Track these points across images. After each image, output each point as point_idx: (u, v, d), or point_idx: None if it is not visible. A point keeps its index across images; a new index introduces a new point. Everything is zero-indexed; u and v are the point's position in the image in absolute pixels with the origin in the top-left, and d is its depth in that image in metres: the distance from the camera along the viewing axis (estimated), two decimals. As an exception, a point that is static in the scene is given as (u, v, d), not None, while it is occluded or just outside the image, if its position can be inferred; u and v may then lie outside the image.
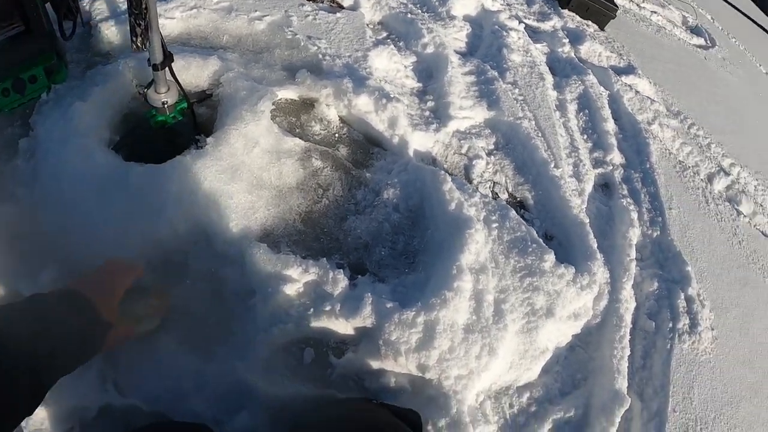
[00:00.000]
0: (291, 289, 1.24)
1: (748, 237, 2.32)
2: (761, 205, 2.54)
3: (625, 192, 2.08)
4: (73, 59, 1.72)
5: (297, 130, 1.71)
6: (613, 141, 2.23)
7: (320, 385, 1.21)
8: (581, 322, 1.58)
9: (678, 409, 1.64)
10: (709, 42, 3.94)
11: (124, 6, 1.87)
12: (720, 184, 2.49)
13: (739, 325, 1.97)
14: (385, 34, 2.25)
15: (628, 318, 1.68)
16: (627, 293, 1.73)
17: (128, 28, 1.52)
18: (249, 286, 1.24)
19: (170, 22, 1.82)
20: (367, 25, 2.21)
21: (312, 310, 1.22)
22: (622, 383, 1.54)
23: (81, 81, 1.57)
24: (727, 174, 2.55)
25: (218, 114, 1.54)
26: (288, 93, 1.77)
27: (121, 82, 1.56)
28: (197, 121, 1.55)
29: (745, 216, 2.42)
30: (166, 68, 1.30)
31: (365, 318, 1.22)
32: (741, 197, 2.47)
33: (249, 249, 1.24)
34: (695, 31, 3.98)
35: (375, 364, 1.23)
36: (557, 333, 1.53)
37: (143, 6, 1.22)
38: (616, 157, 2.19)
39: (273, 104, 1.61)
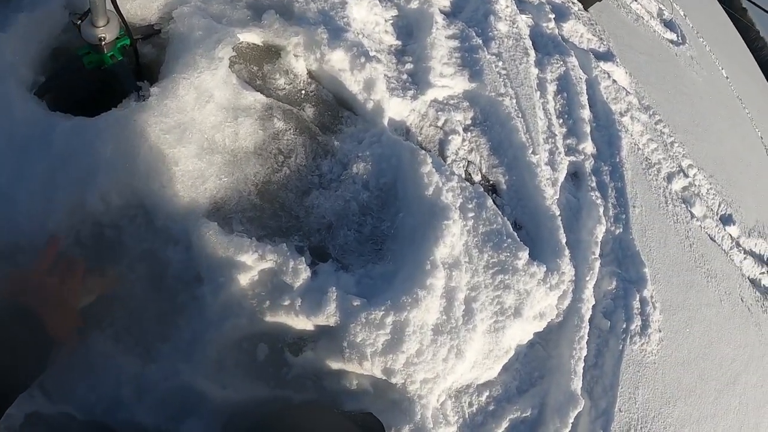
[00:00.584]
0: (245, 278, 1.06)
1: (697, 240, 2.36)
2: (711, 209, 2.60)
3: (594, 185, 2.02)
4: None
5: (258, 83, 1.47)
6: (587, 129, 2.15)
7: (275, 386, 1.07)
8: (545, 321, 1.53)
9: (623, 408, 1.66)
10: (680, 38, 3.95)
11: None
12: (677, 185, 2.50)
13: (682, 328, 2.01)
14: None
15: (587, 317, 1.65)
16: (589, 292, 1.70)
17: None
18: (196, 271, 1.04)
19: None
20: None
21: (268, 303, 1.05)
22: (578, 384, 1.53)
23: (3, 6, 1.25)
24: (686, 175, 2.57)
25: (166, 57, 1.27)
26: (251, 37, 1.50)
27: (52, 9, 1.24)
28: (140, 64, 1.27)
29: (696, 219, 2.46)
30: (107, -6, 1.02)
31: (329, 316, 1.07)
32: (695, 200, 2.51)
33: (196, 227, 1.03)
34: (668, 25, 3.97)
35: (335, 365, 1.10)
36: (522, 333, 1.47)
37: None
38: (588, 146, 2.12)
39: (233, 50, 1.36)
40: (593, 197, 1.95)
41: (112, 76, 1.16)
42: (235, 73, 1.40)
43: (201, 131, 1.17)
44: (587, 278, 1.72)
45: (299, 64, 1.56)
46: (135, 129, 1.03)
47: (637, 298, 1.85)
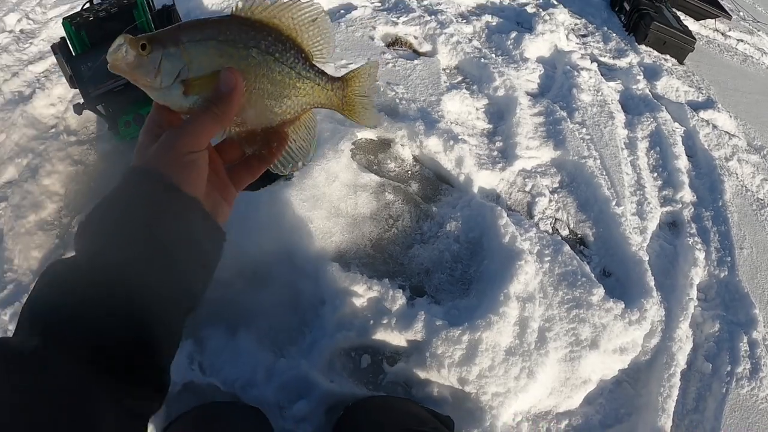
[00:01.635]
0: (356, 303, 1.49)
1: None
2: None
3: (694, 231, 2.10)
4: None
5: (374, 167, 1.98)
6: (685, 179, 2.25)
7: (372, 387, 1.44)
8: (628, 357, 1.65)
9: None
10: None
11: None
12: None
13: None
14: (459, 78, 2.47)
15: (680, 357, 1.72)
16: (682, 332, 1.77)
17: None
18: (321, 297, 1.51)
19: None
20: (443, 70, 2.44)
21: (372, 321, 1.46)
22: (666, 422, 1.58)
23: None
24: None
25: None
26: (367, 134, 2.05)
27: None
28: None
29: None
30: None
31: (416, 332, 1.44)
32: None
33: (323, 266, 1.52)
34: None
35: (422, 375, 1.44)
36: (602, 366, 1.62)
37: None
38: (686, 195, 2.21)
39: (353, 144, 1.91)
40: (691, 242, 2.03)
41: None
42: (356, 160, 1.92)
43: (329, 201, 1.69)
44: (680, 318, 1.80)
45: (405, 151, 2.04)
46: (283, 198, 1.59)
47: (745, 341, 1.84)
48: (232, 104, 0.51)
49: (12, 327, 1.57)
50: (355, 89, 0.61)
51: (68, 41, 1.96)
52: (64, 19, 1.96)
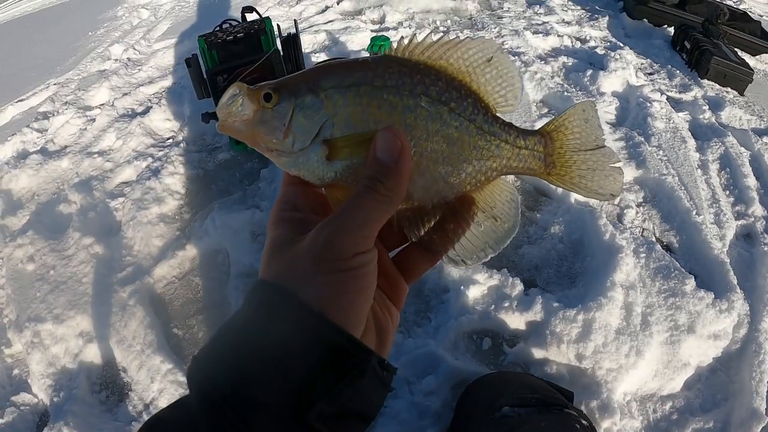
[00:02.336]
0: (478, 290, 1.79)
1: None
2: None
3: (767, 240, 2.32)
4: None
5: (481, 182, 2.32)
6: (755, 195, 2.48)
7: (493, 366, 1.69)
8: (721, 344, 1.86)
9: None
10: None
11: None
12: None
13: None
14: (546, 110, 2.83)
15: (767, 345, 1.93)
16: (767, 324, 1.98)
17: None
18: (444, 285, 1.81)
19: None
20: (532, 102, 2.80)
21: (493, 306, 1.75)
22: (761, 403, 1.73)
23: None
24: None
25: None
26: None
27: None
28: None
29: None
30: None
31: (536, 313, 1.72)
32: None
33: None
34: None
35: (540, 354, 1.69)
36: (698, 351, 1.81)
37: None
38: (758, 210, 2.44)
39: None
40: (767, 250, 2.26)
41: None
42: None
43: None
44: (763, 313, 2.00)
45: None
46: None
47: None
48: (402, 177, 0.38)
49: (131, 302, 1.92)
50: (567, 144, 0.46)
51: (200, 56, 2.31)
52: (199, 36, 2.35)
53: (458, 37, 0.42)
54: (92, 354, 1.86)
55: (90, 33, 4.56)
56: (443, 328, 1.75)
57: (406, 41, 0.42)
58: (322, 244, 0.35)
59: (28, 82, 3.73)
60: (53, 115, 3.15)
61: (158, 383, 1.74)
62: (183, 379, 1.70)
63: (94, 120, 3.07)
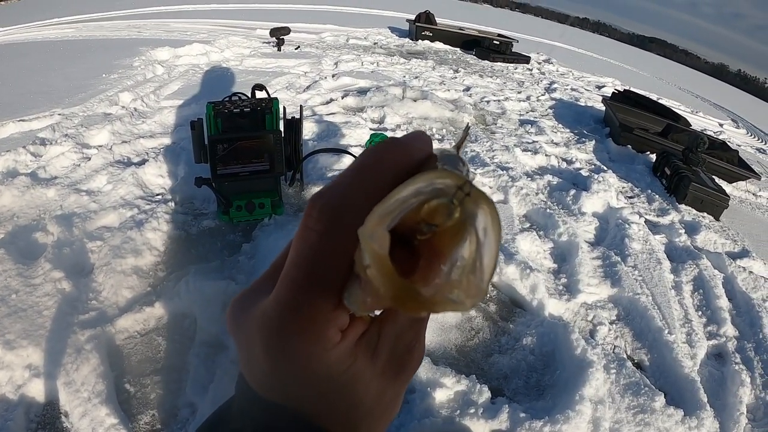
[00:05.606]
0: (444, 394, 1.89)
1: None
2: None
3: (738, 360, 2.45)
4: (287, 203, 2.80)
5: (465, 292, 2.53)
6: (726, 316, 2.65)
7: None
8: None
9: None
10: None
11: (330, 173, 3.02)
12: None
13: None
14: (528, 225, 3.10)
15: (736, 465, 2.01)
16: (736, 443, 2.07)
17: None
18: (411, 386, 1.90)
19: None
20: (516, 216, 3.09)
21: (459, 411, 1.85)
22: None
23: (294, 218, 2.61)
24: None
25: None
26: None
27: None
28: None
29: None
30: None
31: (501, 422, 1.81)
32: None
33: None
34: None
35: None
36: None
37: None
38: (729, 330, 2.60)
39: None
40: (737, 368, 2.37)
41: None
42: None
43: None
44: (734, 430, 2.11)
45: (489, 280, 2.59)
46: None
47: (796, 459, 2.11)
48: None
49: (88, 347, 1.84)
50: None
51: (205, 122, 2.43)
52: (208, 103, 2.50)
53: None
54: (36, 390, 1.77)
55: (104, 75, 4.79)
56: (404, 429, 1.81)
57: None
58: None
59: (34, 104, 3.82)
60: (51, 143, 3.20)
61: (98, 436, 1.63)
62: (125, 436, 1.67)
63: (89, 159, 3.12)
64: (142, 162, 3.15)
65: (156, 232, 2.58)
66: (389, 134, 3.98)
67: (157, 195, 2.93)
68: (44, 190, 2.77)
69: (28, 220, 2.55)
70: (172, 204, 2.82)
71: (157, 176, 3.08)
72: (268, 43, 7.14)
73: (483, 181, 3.44)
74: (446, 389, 1.93)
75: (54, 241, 2.35)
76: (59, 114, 3.75)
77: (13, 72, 4.79)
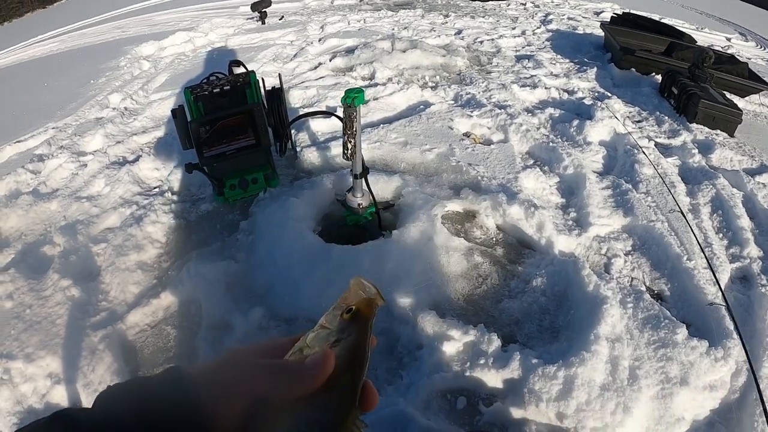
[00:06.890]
0: (453, 347, 1.76)
1: None
2: None
3: (765, 282, 2.27)
4: (282, 173, 2.71)
5: (461, 235, 2.36)
6: (749, 236, 2.46)
7: (468, 428, 1.63)
8: (718, 394, 1.80)
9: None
10: None
11: (323, 137, 2.93)
12: None
13: None
14: (531, 161, 2.89)
15: (769, 394, 1.87)
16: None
17: (326, 153, 2.51)
18: (419, 341, 1.79)
19: (364, 150, 2.60)
20: (517, 154, 2.88)
21: (469, 363, 1.71)
22: None
23: (290, 188, 2.51)
24: None
25: (400, 218, 2.28)
26: (454, 206, 2.45)
27: (324, 190, 2.44)
28: (381, 223, 2.30)
29: None
30: (363, 178, 2.05)
31: (513, 370, 1.67)
32: None
33: (421, 313, 1.82)
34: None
35: (518, 414, 1.62)
36: (693, 403, 1.74)
37: (354, 130, 1.93)
38: (753, 250, 2.41)
39: (442, 216, 2.30)
40: (765, 291, 2.21)
41: (364, 230, 2.16)
42: (446, 228, 2.31)
43: (424, 257, 2.05)
44: (763, 359, 1.96)
45: (489, 221, 2.41)
46: (383, 252, 1.97)
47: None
48: None
49: (101, 347, 1.92)
50: None
51: (186, 108, 2.39)
52: (186, 89, 2.45)
53: None
54: (59, 396, 1.85)
55: (92, 81, 4.81)
56: (415, 387, 1.70)
57: None
58: None
59: (28, 124, 3.91)
60: (48, 158, 3.26)
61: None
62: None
63: (86, 165, 3.17)
64: (137, 158, 3.20)
65: (156, 224, 2.63)
66: (380, 89, 3.85)
67: (155, 188, 2.98)
68: (47, 204, 2.86)
69: (35, 236, 2.67)
70: (169, 194, 2.87)
71: (152, 169, 3.14)
72: (252, 18, 6.94)
73: (480, 122, 3.22)
74: (455, 342, 1.81)
75: (60, 252, 2.43)
76: (53, 128, 3.83)
77: (4, 95, 4.93)
